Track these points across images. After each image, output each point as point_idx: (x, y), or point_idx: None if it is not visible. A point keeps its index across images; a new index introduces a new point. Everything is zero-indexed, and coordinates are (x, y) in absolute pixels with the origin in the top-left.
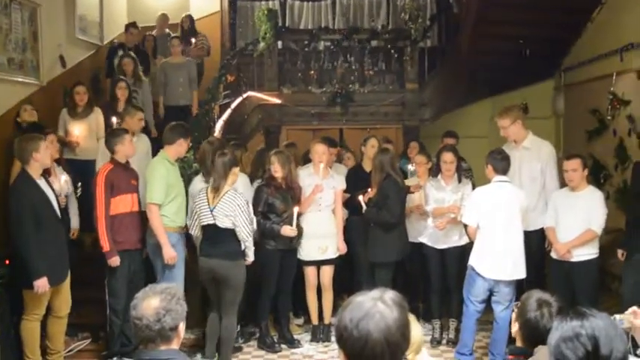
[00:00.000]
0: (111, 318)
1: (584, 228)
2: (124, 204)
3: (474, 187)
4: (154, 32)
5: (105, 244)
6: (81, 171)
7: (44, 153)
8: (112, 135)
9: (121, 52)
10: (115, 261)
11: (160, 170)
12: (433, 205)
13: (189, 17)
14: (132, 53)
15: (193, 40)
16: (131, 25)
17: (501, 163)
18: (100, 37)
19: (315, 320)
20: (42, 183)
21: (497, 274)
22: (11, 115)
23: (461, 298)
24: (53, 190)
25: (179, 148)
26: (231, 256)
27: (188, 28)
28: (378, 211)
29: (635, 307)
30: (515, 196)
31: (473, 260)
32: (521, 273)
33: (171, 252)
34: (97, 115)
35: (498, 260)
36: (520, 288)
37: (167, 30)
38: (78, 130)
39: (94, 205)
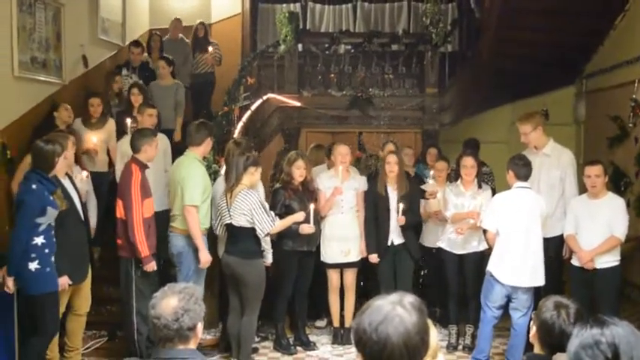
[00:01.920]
0: (138, 323)
1: (605, 235)
2: (150, 207)
3: (494, 193)
4: (167, 36)
5: (144, 249)
6: (94, 183)
7: (71, 152)
8: (140, 134)
9: (125, 72)
10: (152, 266)
11: (198, 171)
12: (452, 210)
13: (204, 25)
14: (140, 83)
15: (210, 48)
16: (132, 44)
17: (523, 169)
18: (122, 37)
19: (336, 322)
20: (66, 182)
21: (516, 280)
22: (35, 112)
23: (478, 304)
24: (77, 190)
25: (206, 147)
26: (247, 255)
27: (203, 35)
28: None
29: None
30: (536, 203)
31: (491, 266)
32: (539, 280)
33: (208, 256)
34: (111, 126)
35: (517, 266)
36: (538, 295)
37: (181, 35)
38: (95, 138)
39: (117, 210)
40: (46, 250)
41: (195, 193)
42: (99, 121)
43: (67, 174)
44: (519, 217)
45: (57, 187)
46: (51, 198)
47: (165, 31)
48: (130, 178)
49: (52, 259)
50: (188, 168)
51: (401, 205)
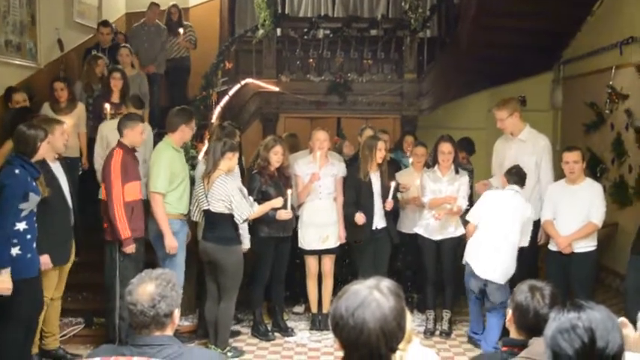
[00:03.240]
0: (121, 307)
1: (583, 221)
2: (134, 191)
3: (471, 183)
4: (142, 21)
5: (125, 231)
6: (64, 168)
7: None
8: (127, 118)
9: (94, 52)
10: (132, 248)
11: (165, 158)
12: (430, 196)
13: (177, 8)
14: (121, 68)
15: (181, 30)
16: (101, 24)
17: (513, 178)
18: (99, 21)
19: (314, 308)
20: (55, 167)
21: (489, 274)
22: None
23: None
24: (68, 175)
25: (182, 134)
26: (224, 241)
27: (177, 18)
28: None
29: (622, 319)
30: (523, 209)
31: (467, 256)
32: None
33: (173, 241)
34: (80, 110)
35: (490, 262)
36: (513, 282)
37: (157, 21)
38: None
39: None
40: (28, 236)
41: (158, 180)
42: (67, 106)
43: (58, 158)
44: (502, 217)
45: (39, 174)
46: (34, 184)
47: (141, 15)
48: (110, 160)
49: (34, 245)
50: (156, 154)
51: (393, 184)
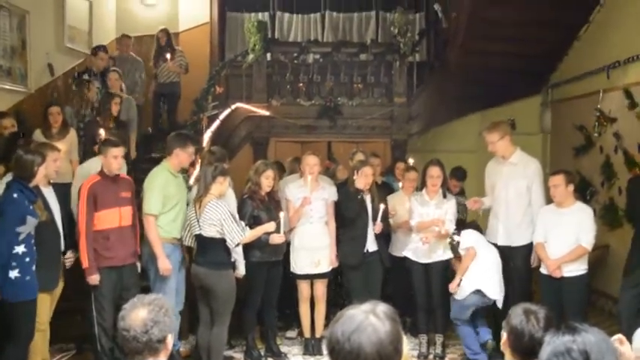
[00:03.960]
0: (99, 335)
1: (573, 244)
2: (111, 218)
3: (463, 224)
4: (115, 53)
5: (84, 261)
6: (57, 194)
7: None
8: (102, 143)
9: (86, 77)
10: (94, 279)
11: (158, 181)
12: (417, 219)
13: (166, 31)
14: (122, 94)
15: (168, 55)
16: (101, 49)
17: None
18: (89, 45)
19: (307, 333)
20: (48, 192)
21: (497, 294)
22: None
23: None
24: (61, 199)
25: (177, 158)
26: (216, 266)
27: (165, 42)
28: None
29: (620, 335)
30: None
31: (478, 284)
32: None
33: (166, 263)
34: (73, 136)
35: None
36: (507, 305)
37: (132, 54)
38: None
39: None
40: (27, 259)
41: (151, 201)
42: (59, 132)
43: (50, 183)
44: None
45: (37, 197)
46: (31, 207)
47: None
48: (79, 190)
49: (33, 267)
50: (150, 177)
51: (382, 207)
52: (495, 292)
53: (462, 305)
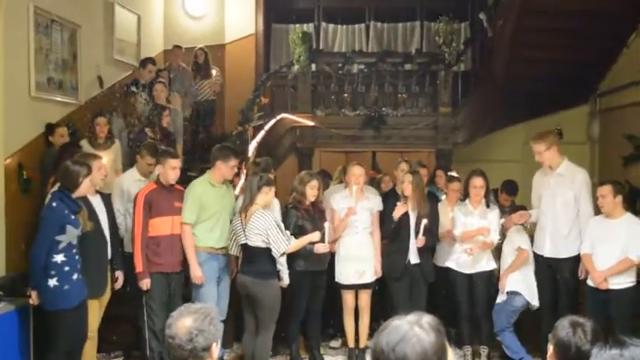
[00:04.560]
0: (149, 339)
1: (620, 256)
2: (164, 226)
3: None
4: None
5: (138, 265)
6: (103, 204)
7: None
8: (159, 154)
9: (134, 89)
10: (145, 283)
11: (196, 191)
12: (461, 229)
13: (203, 50)
14: (169, 105)
15: (214, 72)
16: (149, 62)
17: None
18: (137, 58)
19: (351, 343)
20: (96, 201)
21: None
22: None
23: (490, 324)
24: (108, 208)
25: (219, 170)
26: (262, 276)
27: (203, 61)
28: (430, 235)
29: None
30: None
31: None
32: None
33: (197, 271)
34: (117, 146)
35: None
36: (555, 316)
37: (182, 64)
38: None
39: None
40: (66, 268)
41: (188, 211)
42: (105, 142)
43: (98, 192)
44: None
45: (80, 208)
46: (72, 217)
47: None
48: (136, 196)
49: (75, 276)
50: (190, 187)
51: (424, 222)
52: (536, 298)
53: (508, 310)
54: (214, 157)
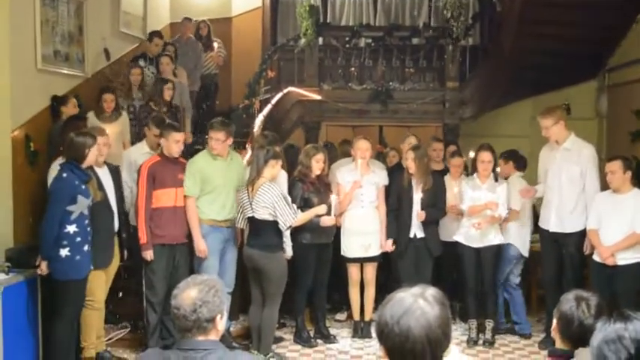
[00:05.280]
0: (147, 311)
1: (627, 231)
2: (166, 197)
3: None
4: (177, 37)
5: (142, 237)
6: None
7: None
8: (163, 127)
9: (142, 63)
10: (148, 254)
11: (196, 164)
12: (469, 203)
13: (207, 23)
14: (174, 79)
15: (215, 44)
16: (156, 35)
17: None
18: (144, 31)
19: (356, 316)
20: (103, 173)
21: None
22: None
23: (496, 297)
24: (116, 179)
25: (210, 142)
26: (269, 248)
27: (206, 34)
28: (433, 209)
29: None
30: None
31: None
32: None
33: (202, 244)
34: (125, 118)
35: None
36: (560, 291)
37: (191, 35)
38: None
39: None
40: (78, 239)
41: (188, 183)
42: (112, 115)
43: (105, 163)
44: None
45: (90, 177)
46: (82, 187)
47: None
48: (140, 168)
49: (86, 247)
50: (190, 160)
51: (420, 195)
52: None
53: (505, 259)
54: (208, 130)
